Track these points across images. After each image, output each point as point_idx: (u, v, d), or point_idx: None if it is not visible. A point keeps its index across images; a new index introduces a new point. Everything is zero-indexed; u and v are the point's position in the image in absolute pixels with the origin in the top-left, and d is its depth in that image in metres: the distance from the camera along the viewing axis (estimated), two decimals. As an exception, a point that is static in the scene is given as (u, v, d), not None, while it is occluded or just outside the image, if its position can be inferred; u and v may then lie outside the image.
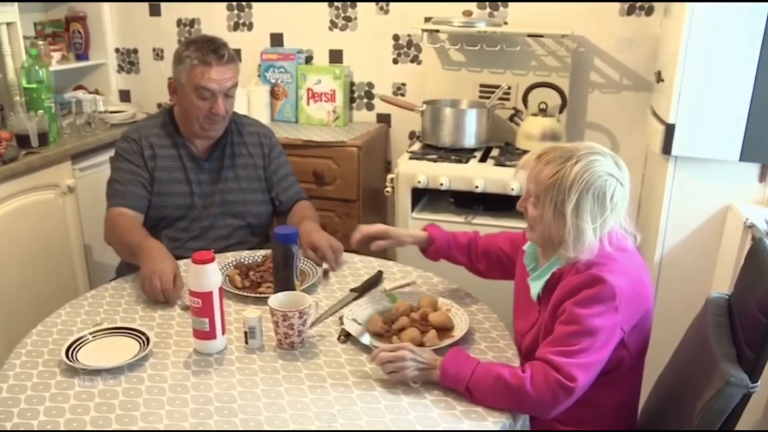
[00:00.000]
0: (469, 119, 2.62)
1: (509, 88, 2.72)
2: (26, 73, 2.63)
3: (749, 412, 1.40)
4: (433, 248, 1.82)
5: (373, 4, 2.95)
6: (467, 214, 2.47)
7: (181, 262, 1.86)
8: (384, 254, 2.96)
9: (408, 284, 1.89)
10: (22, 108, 2.62)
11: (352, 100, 3.09)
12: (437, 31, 2.71)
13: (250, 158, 2.19)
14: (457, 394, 1.38)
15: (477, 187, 2.36)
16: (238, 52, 3.14)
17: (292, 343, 1.55)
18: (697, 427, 1.31)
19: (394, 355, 1.39)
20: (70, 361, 1.44)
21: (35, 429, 1.27)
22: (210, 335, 1.52)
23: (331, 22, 3.03)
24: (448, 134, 2.61)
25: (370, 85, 3.07)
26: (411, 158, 2.52)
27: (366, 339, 1.55)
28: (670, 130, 2.06)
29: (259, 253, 2.01)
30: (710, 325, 1.45)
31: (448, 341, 1.55)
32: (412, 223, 2.48)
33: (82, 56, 3.31)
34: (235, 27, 3.17)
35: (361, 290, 1.83)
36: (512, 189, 2.33)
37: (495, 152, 2.65)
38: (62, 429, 1.27)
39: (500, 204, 2.47)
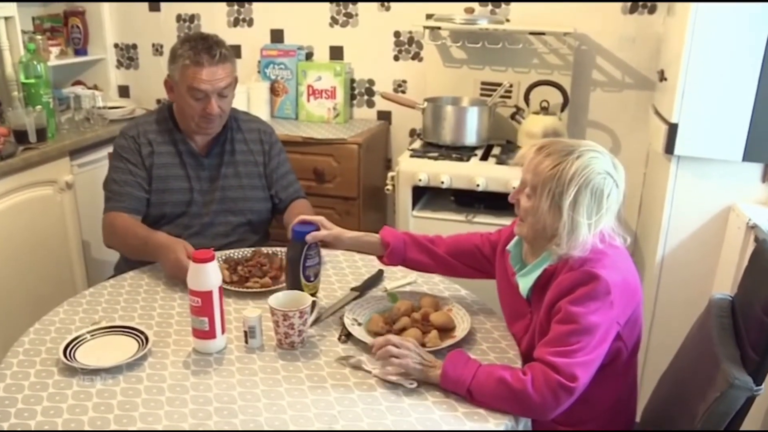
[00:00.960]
0: (471, 117, 2.60)
1: (511, 86, 2.70)
2: (24, 68, 2.61)
3: (752, 413, 1.39)
4: (388, 251, 1.73)
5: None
6: (468, 213, 2.46)
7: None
8: None
9: (409, 283, 1.88)
10: (20, 103, 2.61)
11: (352, 97, 3.08)
12: (439, 28, 2.69)
13: (251, 155, 2.17)
14: (458, 395, 1.37)
15: (478, 185, 2.35)
16: (237, 48, 3.14)
17: (293, 342, 1.53)
18: (701, 429, 1.30)
19: (399, 343, 1.41)
20: (69, 360, 1.43)
21: (32, 429, 1.26)
22: (209, 335, 1.51)
23: (332, 18, 3.01)
24: (449, 132, 2.60)
25: (371, 82, 3.05)
26: (412, 156, 2.50)
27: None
28: (672, 129, 2.05)
29: (249, 249, 2.01)
30: (714, 327, 1.44)
31: (449, 342, 1.54)
32: (412, 222, 2.46)
33: (80, 51, 3.29)
34: (235, 23, 3.15)
35: (362, 289, 1.82)
36: (513, 188, 2.31)
37: (496, 150, 2.64)
38: (60, 429, 1.26)
39: (501, 202, 2.45)
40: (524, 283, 1.52)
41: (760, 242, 1.47)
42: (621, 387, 1.54)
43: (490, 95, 2.68)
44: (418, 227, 2.46)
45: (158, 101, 3.35)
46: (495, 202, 2.46)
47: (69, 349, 1.47)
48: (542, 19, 2.70)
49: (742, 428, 1.34)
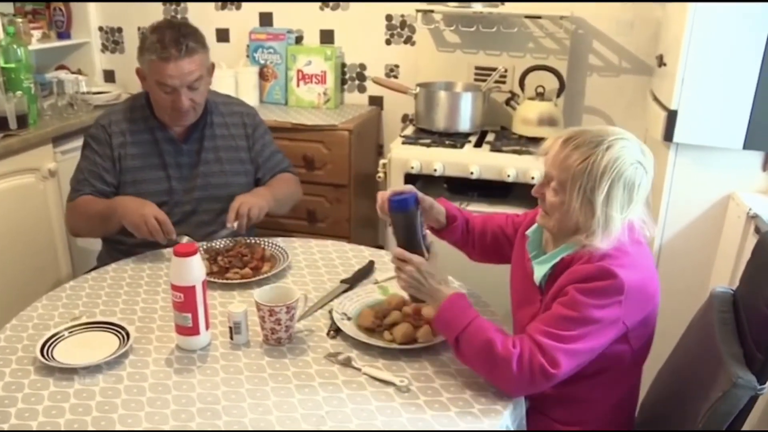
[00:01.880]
0: (464, 103, 2.54)
1: (506, 70, 2.64)
2: (4, 52, 2.52)
3: (754, 412, 1.34)
4: (453, 226, 1.68)
5: (365, -18, 2.86)
6: (461, 201, 2.40)
7: (165, 252, 1.79)
8: (375, 242, 2.91)
9: (400, 275, 1.82)
10: (0, 89, 2.52)
11: (343, 82, 3.01)
12: (432, 11, 2.62)
13: (232, 139, 2.11)
14: (451, 394, 1.32)
15: (472, 173, 2.29)
16: (225, 31, 3.06)
17: (279, 338, 1.48)
18: (703, 428, 1.26)
19: (417, 264, 1.42)
20: (45, 359, 1.37)
21: (6, 432, 1.20)
22: (193, 331, 1.45)
23: (322, 1, 2.93)
24: (442, 118, 2.54)
25: (362, 66, 2.98)
26: (404, 143, 2.44)
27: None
28: (672, 116, 1.99)
29: (231, 238, 1.95)
30: (715, 322, 1.39)
31: (442, 337, 1.49)
32: (404, 210, 2.40)
33: (63, 35, 3.20)
34: (223, 6, 3.07)
35: (352, 281, 1.76)
36: (508, 175, 2.26)
37: (490, 137, 2.58)
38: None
39: (495, 190, 2.41)
40: (540, 270, 1.46)
41: (763, 235, 1.42)
42: (623, 390, 1.49)
43: (484, 80, 2.61)
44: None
45: (145, 86, 3.26)
46: (489, 189, 2.41)
47: (46, 346, 1.41)
48: (538, 2, 2.63)
49: (744, 428, 1.30)
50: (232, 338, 1.49)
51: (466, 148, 2.41)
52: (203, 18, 3.00)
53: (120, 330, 1.49)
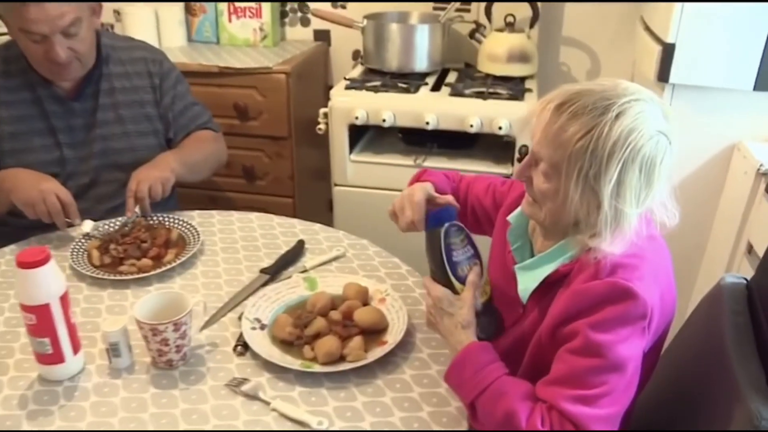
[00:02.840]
0: (420, 37, 2.15)
1: (469, -4, 2.24)
2: None
3: None
4: None
5: None
6: (418, 155, 2.05)
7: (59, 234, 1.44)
8: (327, 203, 2.56)
9: (336, 258, 1.49)
10: None
11: (283, 14, 2.58)
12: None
13: (135, 93, 1.73)
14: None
15: (428, 123, 1.93)
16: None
17: (170, 361, 1.15)
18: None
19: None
20: None
21: None
22: (55, 358, 1.12)
23: None
24: (394, 56, 2.15)
25: (305, -5, 2.55)
26: (348, 87, 2.06)
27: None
28: (668, 51, 1.63)
29: (128, 218, 1.58)
30: (727, 328, 1.08)
31: (377, 352, 1.17)
32: (350, 168, 2.05)
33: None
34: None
35: (274, 271, 1.43)
36: (471, 125, 1.90)
37: (451, 77, 2.20)
38: None
39: (458, 141, 2.05)
40: (525, 281, 1.12)
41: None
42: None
43: (443, 9, 2.21)
44: (358, 174, 2.05)
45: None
46: (450, 140, 2.05)
47: None
48: None
49: None
50: (110, 362, 1.16)
51: (421, 93, 2.04)
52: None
53: (-38, 357, 1.15)
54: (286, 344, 1.20)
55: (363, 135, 2.16)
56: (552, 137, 0.99)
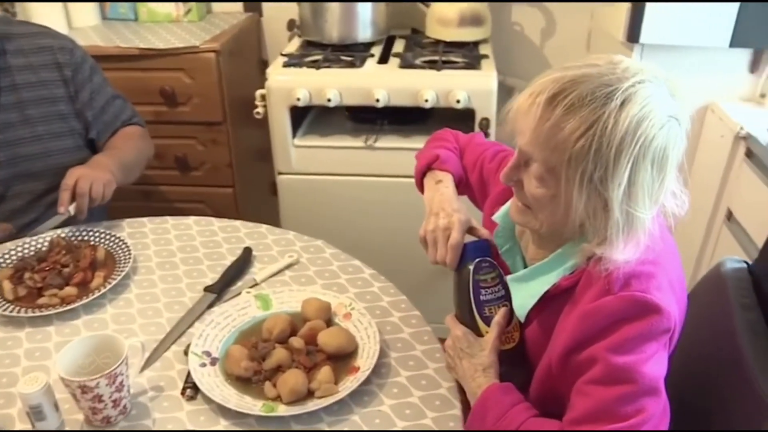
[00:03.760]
0: (362, 3, 1.95)
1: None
2: None
3: None
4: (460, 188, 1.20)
5: None
6: (368, 134, 1.87)
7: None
8: (253, 203, 2.37)
9: (289, 266, 1.32)
10: None
11: (206, -17, 2.34)
12: None
13: (44, 88, 1.50)
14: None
15: (378, 100, 1.75)
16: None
17: (107, 418, 0.98)
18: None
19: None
20: None
21: None
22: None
23: None
24: (334, 26, 1.95)
25: (229, -40, 2.31)
26: (286, 65, 1.86)
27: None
28: (638, 9, 1.48)
29: (45, 235, 1.38)
30: (740, 329, 0.97)
31: (348, 384, 1.01)
32: (294, 153, 1.86)
33: None
34: None
35: (220, 288, 1.25)
36: (426, 100, 1.73)
37: (399, 46, 2.02)
38: None
39: (410, 115, 1.89)
40: (521, 296, 0.97)
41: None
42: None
43: (385, -30, 2.02)
44: (303, 160, 1.87)
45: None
46: (402, 115, 1.89)
47: None
48: None
49: None
50: (34, 426, 0.98)
51: (368, 66, 1.85)
52: None
53: None
54: (243, 381, 1.03)
55: (305, 116, 1.97)
56: (546, 137, 0.83)
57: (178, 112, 2.05)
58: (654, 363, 0.83)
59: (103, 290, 1.22)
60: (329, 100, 1.75)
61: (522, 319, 0.97)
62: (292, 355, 1.05)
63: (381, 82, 1.76)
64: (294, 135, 1.86)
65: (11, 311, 1.17)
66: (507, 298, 0.99)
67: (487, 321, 0.98)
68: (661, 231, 0.88)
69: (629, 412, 0.80)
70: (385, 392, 1.03)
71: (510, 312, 0.98)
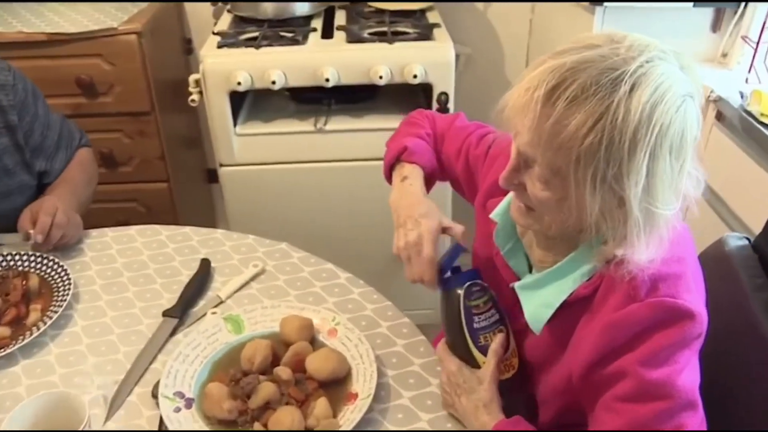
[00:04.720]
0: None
1: None
2: None
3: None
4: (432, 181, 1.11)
5: None
6: (316, 116, 1.73)
7: None
8: (191, 196, 2.19)
9: (255, 276, 1.19)
10: None
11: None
12: None
13: None
14: None
15: (327, 80, 1.61)
16: None
17: (69, 488, 0.83)
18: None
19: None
20: None
21: None
22: None
23: None
24: (268, -2, 1.78)
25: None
26: (221, 45, 1.68)
27: None
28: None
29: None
30: (758, 313, 0.91)
31: (349, 415, 0.90)
32: (237, 143, 1.70)
33: None
34: None
35: (181, 310, 1.10)
36: (380, 76, 1.60)
37: (340, 18, 1.87)
38: None
39: (359, 93, 1.76)
40: (535, 308, 0.86)
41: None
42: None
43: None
44: (247, 150, 1.71)
45: None
46: (350, 93, 1.75)
47: None
48: None
49: None
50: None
51: (312, 42, 1.70)
52: None
53: None
54: (228, 424, 0.90)
55: (243, 101, 1.81)
56: (548, 137, 0.72)
57: (99, 103, 1.84)
58: (688, 373, 0.76)
59: (42, 327, 1.05)
60: (273, 83, 1.59)
61: (537, 332, 0.87)
62: (280, 387, 0.93)
63: (329, 60, 1.61)
64: (235, 123, 1.70)
65: (-66, 364, 1.00)
66: (502, 321, 0.90)
67: (483, 350, 0.88)
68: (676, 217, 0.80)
69: (666, 429, 0.74)
70: (389, 419, 0.92)
71: (507, 337, 0.89)
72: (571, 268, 0.83)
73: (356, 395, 0.93)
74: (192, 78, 1.67)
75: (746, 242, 1.03)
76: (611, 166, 0.71)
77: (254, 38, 1.70)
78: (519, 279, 0.91)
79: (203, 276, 1.18)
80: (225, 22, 1.87)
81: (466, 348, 0.88)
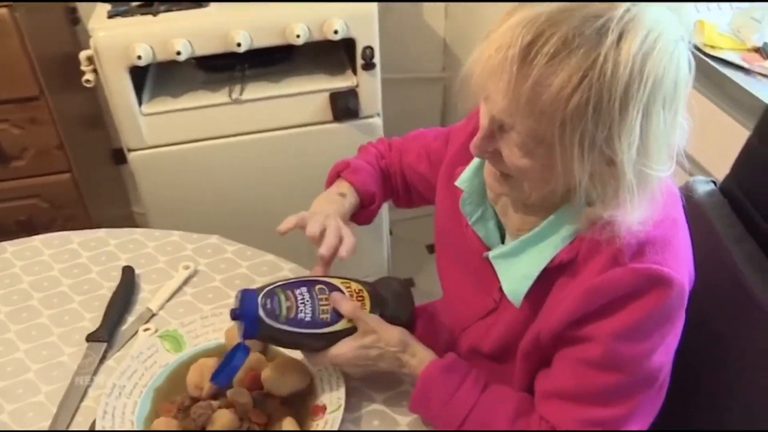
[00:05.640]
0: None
1: None
2: None
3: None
4: (372, 208, 1.04)
5: None
6: (232, 85, 1.56)
7: None
8: (99, 183, 2.00)
9: (188, 280, 1.06)
10: None
11: None
12: None
13: None
14: None
15: (239, 44, 1.44)
16: None
17: None
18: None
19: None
20: None
21: None
22: None
23: None
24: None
25: None
26: (112, 15, 1.48)
27: None
28: None
29: None
30: (740, 266, 0.86)
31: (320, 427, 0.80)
32: (144, 124, 1.52)
33: None
34: None
35: (108, 332, 0.96)
36: (298, 36, 1.45)
37: (244, -28, 1.68)
38: None
39: (274, 55, 1.60)
40: (512, 277, 0.79)
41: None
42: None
43: None
44: (156, 130, 1.53)
45: None
46: (265, 56, 1.59)
47: None
48: None
49: None
50: None
51: (215, 3, 1.52)
52: None
53: None
54: (182, 465, 0.79)
55: (144, 76, 1.61)
56: (527, 101, 0.63)
57: (-25, 93, 1.61)
58: (661, 350, 0.72)
59: (-57, 373, 0.90)
60: (179, 53, 1.41)
61: (517, 305, 0.79)
62: (238, 412, 0.81)
63: (239, 22, 1.44)
64: (140, 102, 1.51)
65: None
66: (312, 285, 0.83)
67: (336, 319, 0.81)
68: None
69: (616, 401, 0.72)
70: (366, 427, 0.83)
71: (327, 289, 0.83)
72: (551, 232, 0.76)
73: (324, 408, 0.83)
74: (83, 55, 1.47)
75: (713, 186, 0.97)
76: (601, 129, 0.63)
77: (149, 3, 1.50)
78: (489, 250, 0.83)
79: (127, 287, 1.03)
80: (112, -14, 1.65)
81: (326, 335, 0.81)
